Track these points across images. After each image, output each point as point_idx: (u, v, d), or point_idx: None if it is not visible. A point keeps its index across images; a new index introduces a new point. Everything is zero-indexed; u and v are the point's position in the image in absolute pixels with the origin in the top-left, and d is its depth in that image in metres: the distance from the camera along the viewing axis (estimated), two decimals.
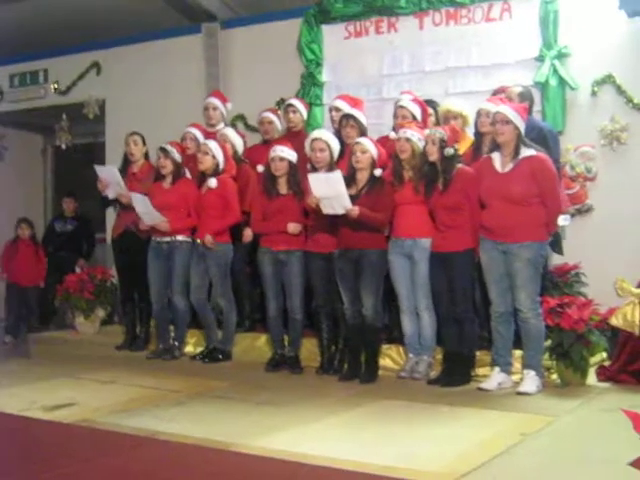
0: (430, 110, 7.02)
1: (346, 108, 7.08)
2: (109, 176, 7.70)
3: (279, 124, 7.81)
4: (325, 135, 6.68)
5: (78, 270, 9.70)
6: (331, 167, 6.50)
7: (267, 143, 7.57)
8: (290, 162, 6.77)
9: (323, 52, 8.94)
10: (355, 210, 6.13)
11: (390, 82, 8.54)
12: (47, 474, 3.97)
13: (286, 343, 6.93)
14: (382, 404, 5.56)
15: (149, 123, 8.85)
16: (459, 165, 6.11)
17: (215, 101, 8.00)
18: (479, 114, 6.52)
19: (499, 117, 5.80)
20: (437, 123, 6.89)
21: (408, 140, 6.26)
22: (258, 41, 9.33)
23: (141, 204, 7.27)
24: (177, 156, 7.46)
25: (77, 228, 10.28)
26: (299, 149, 6.83)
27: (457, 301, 6.08)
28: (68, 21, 9.72)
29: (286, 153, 6.75)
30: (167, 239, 7.38)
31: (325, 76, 8.91)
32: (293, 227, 6.71)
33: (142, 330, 8.05)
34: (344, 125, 6.86)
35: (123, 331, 8.23)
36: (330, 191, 6.17)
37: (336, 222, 6.38)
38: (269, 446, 4.45)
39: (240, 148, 7.64)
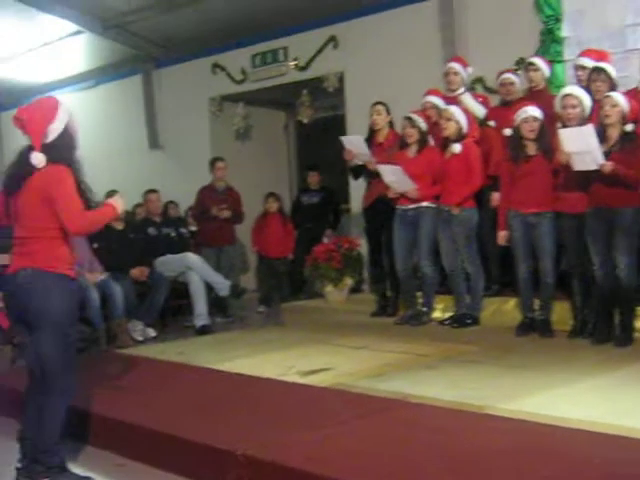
0: None
1: (591, 64, 6.83)
2: (355, 145, 7.88)
3: (519, 84, 7.64)
4: (577, 91, 6.46)
5: (326, 240, 9.98)
6: (583, 124, 6.24)
7: (507, 104, 7.44)
8: (542, 122, 6.63)
9: (562, 7, 8.60)
10: (608, 165, 5.88)
11: (635, 32, 8.06)
12: (307, 436, 4.15)
13: (535, 306, 6.83)
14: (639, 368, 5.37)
15: (388, 93, 8.88)
16: None
17: (456, 66, 7.93)
18: None
19: None
20: None
21: None
22: (492, 1, 9.15)
23: (390, 174, 7.40)
24: (423, 125, 7.52)
25: (323, 200, 10.50)
26: (543, 108, 6.66)
27: None
28: None
29: (538, 113, 6.62)
30: (413, 206, 7.46)
31: (565, 31, 8.56)
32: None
33: (392, 297, 8.19)
34: (594, 79, 6.59)
35: (374, 299, 8.41)
36: (582, 145, 5.95)
37: (588, 180, 6.16)
38: (522, 409, 4.43)
39: (479, 113, 7.57)
